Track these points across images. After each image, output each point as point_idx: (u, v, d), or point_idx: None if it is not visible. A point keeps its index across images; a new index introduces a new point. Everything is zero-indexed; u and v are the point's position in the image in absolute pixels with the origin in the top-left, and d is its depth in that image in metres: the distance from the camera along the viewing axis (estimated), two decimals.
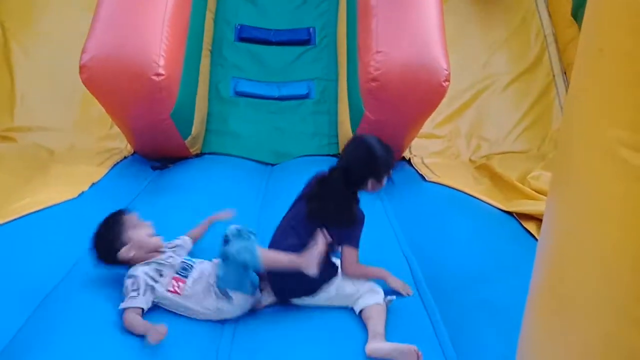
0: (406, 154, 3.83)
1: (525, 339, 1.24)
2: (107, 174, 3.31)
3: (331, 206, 2.11)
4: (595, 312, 0.95)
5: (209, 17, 4.18)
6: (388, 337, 1.98)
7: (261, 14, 4.36)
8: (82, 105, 4.01)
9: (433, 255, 2.58)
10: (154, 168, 3.57)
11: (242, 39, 4.26)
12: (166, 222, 2.55)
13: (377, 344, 1.92)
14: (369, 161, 2.11)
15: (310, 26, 4.35)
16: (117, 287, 2.11)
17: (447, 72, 2.96)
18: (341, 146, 3.81)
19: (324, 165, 3.68)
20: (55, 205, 2.73)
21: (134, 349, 1.86)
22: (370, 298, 2.10)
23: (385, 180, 2.17)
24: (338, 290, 2.14)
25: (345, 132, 3.70)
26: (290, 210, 2.27)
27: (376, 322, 2.01)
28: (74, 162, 3.46)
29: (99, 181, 3.18)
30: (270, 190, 3.34)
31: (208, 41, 4.09)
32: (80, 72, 2.92)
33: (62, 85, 3.89)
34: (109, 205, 2.88)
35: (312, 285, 2.10)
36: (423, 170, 3.49)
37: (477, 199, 3.03)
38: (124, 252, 2.08)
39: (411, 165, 3.67)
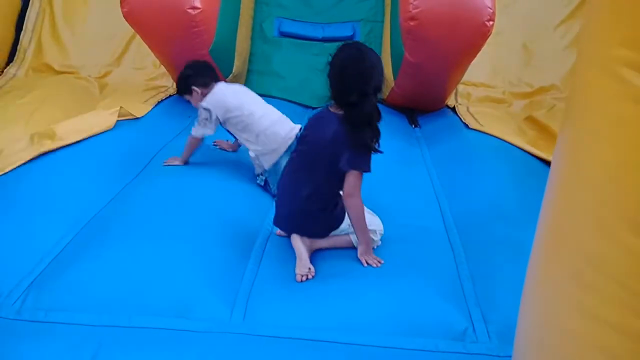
0: (451, 102, 3.72)
1: (528, 280, 1.22)
2: (151, 110, 3.41)
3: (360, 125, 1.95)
4: (586, 235, 0.94)
5: None
6: (411, 266, 2.01)
7: None
8: (133, 44, 4.14)
9: (463, 195, 2.57)
10: None
11: None
12: (207, 158, 2.75)
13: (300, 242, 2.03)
14: (366, 75, 1.94)
15: None
16: (156, 211, 2.25)
17: (491, 11, 2.80)
18: (383, 91, 3.73)
19: None
20: (97, 135, 2.86)
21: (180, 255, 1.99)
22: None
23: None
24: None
25: (387, 76, 3.60)
26: (293, 159, 2.15)
27: (328, 241, 2.10)
28: (122, 98, 3.59)
29: (143, 117, 3.27)
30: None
31: None
32: (121, 6, 2.99)
33: (115, 24, 3.99)
34: (153, 139, 3.03)
35: (323, 232, 2.11)
36: (467, 119, 3.40)
37: (518, 147, 2.95)
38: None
39: (455, 112, 3.57)
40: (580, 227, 0.95)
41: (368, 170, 1.98)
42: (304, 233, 2.06)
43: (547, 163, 2.78)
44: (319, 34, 4.01)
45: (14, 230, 2.09)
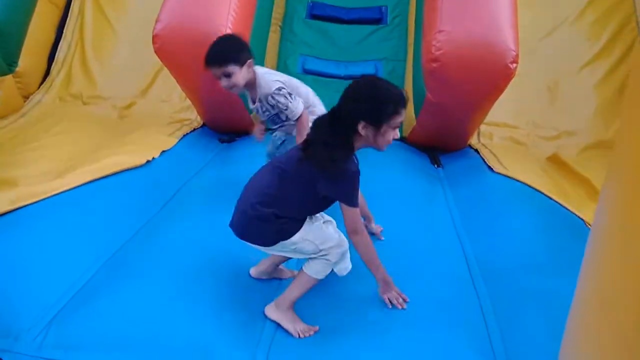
0: (474, 142, 3.72)
1: (569, 333, 1.19)
2: (177, 143, 3.46)
3: (317, 149, 1.77)
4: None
5: None
6: (436, 315, 1.95)
7: None
8: (159, 77, 4.25)
9: (487, 240, 2.51)
10: (222, 141, 3.71)
11: (313, 16, 4.28)
12: (230, 193, 2.66)
13: (275, 309, 1.93)
14: (359, 97, 1.77)
15: (382, 5, 4.29)
16: (179, 250, 2.25)
17: (514, 54, 2.81)
18: (404, 130, 3.76)
19: (387, 149, 3.72)
20: (126, 170, 2.91)
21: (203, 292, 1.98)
22: (316, 267, 1.92)
23: (385, 128, 1.76)
24: (297, 246, 1.89)
25: (409, 115, 3.63)
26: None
27: (294, 289, 1.95)
28: (148, 131, 3.65)
29: (169, 150, 3.33)
30: None
31: (278, 17, 4.15)
32: (153, 42, 3.07)
33: (143, 57, 4.11)
34: (177, 173, 3.07)
35: (267, 241, 1.91)
36: (490, 161, 3.36)
37: (544, 194, 2.89)
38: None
39: (478, 153, 3.56)
40: (633, 290, 0.91)
41: (354, 203, 1.80)
42: (250, 237, 1.90)
43: (572, 211, 2.74)
44: (342, 71, 4.08)
45: (37, 263, 2.10)
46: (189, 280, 2.05)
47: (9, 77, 4.00)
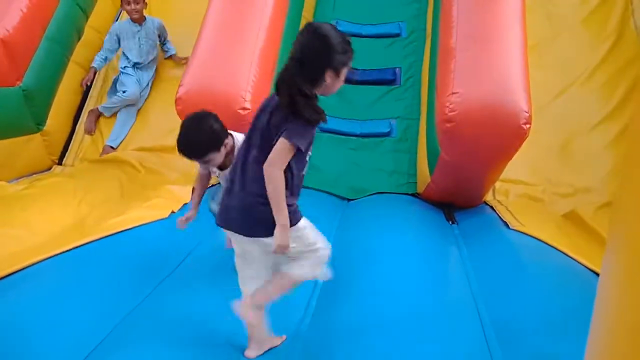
0: (489, 198, 3.73)
1: None
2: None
3: (284, 99, 1.82)
4: None
5: None
6: None
7: None
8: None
9: (504, 302, 2.46)
10: None
11: None
12: None
13: (248, 309, 1.97)
14: (324, 49, 1.80)
15: (396, 66, 4.43)
16: (201, 305, 2.26)
17: (527, 115, 2.86)
18: (419, 186, 3.80)
19: (400, 203, 3.77)
20: (147, 223, 2.97)
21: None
22: (305, 267, 1.98)
23: (344, 75, 1.86)
24: (301, 232, 1.94)
25: (423, 171, 3.68)
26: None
27: (268, 291, 2.00)
28: (168, 183, 3.72)
29: (189, 203, 3.38)
30: (344, 224, 3.38)
31: None
32: (176, 104, 3.21)
33: (170, 118, 4.20)
34: (197, 226, 3.11)
35: (249, 230, 1.94)
36: (506, 217, 3.34)
37: (561, 251, 2.85)
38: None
39: (493, 210, 3.55)
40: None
41: (297, 143, 1.79)
42: (260, 231, 1.91)
43: (591, 269, 2.71)
44: (357, 129, 4.17)
45: (49, 322, 2.12)
46: (197, 348, 2.05)
47: (37, 135, 4.17)
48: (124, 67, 4.50)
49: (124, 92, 4.41)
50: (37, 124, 4.17)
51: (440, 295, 2.52)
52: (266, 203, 1.85)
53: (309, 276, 2.04)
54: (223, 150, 2.28)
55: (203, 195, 2.46)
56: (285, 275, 2.00)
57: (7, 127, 3.92)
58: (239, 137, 2.30)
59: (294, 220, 1.90)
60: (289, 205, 1.87)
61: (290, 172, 1.88)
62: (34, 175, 4.08)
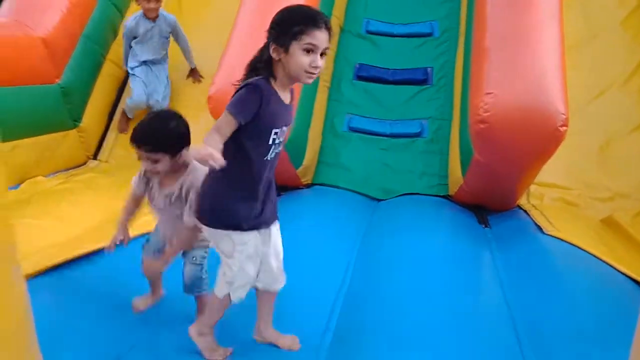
0: (523, 202, 3.66)
1: None
2: None
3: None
4: None
5: (330, 55, 4.39)
6: None
7: (380, 53, 4.47)
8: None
9: (539, 308, 2.39)
10: None
11: (360, 77, 4.40)
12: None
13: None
14: (271, 21, 1.81)
15: (428, 66, 4.38)
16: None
17: (564, 117, 2.78)
18: (451, 188, 3.74)
19: (431, 205, 3.72)
20: None
21: None
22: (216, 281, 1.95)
23: (294, 49, 1.72)
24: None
25: (455, 173, 3.63)
26: None
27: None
28: None
29: None
30: (374, 225, 3.36)
31: (327, 78, 4.30)
32: (208, 103, 3.24)
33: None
34: None
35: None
36: (540, 221, 3.26)
37: (597, 257, 2.77)
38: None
39: (527, 214, 3.47)
40: None
41: (231, 110, 1.69)
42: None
43: (629, 276, 2.62)
44: (387, 129, 4.14)
45: (87, 318, 2.16)
46: None
47: (73, 131, 4.28)
48: (132, 67, 4.45)
49: (130, 98, 4.42)
50: (74, 120, 4.27)
51: (473, 300, 2.47)
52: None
53: (223, 292, 1.93)
54: (176, 161, 1.98)
55: (132, 216, 2.25)
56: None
57: (45, 123, 4.03)
58: (196, 165, 1.99)
59: (229, 222, 1.83)
60: (243, 205, 1.82)
61: (247, 157, 1.76)
62: (70, 170, 4.19)
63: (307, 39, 1.71)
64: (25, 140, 3.85)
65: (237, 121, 1.70)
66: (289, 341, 2.09)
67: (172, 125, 1.99)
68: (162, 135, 1.95)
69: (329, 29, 1.76)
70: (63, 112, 4.15)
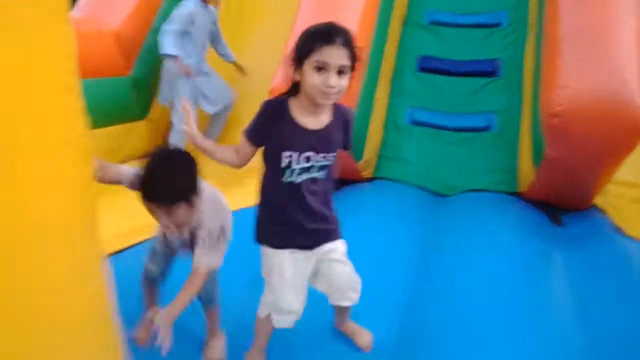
0: (600, 201, 3.45)
1: None
2: None
3: None
4: None
5: (392, 47, 4.31)
6: None
7: (445, 44, 4.35)
8: None
9: (612, 316, 2.27)
10: None
11: (423, 69, 4.30)
12: None
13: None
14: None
15: (495, 58, 4.22)
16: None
17: None
18: (521, 185, 3.59)
19: (499, 201, 3.56)
20: (244, 208, 3.01)
21: None
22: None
23: (306, 68, 1.63)
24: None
25: (525, 169, 3.49)
26: None
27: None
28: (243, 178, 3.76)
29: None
30: (438, 221, 3.26)
31: (388, 71, 4.22)
32: (269, 95, 3.26)
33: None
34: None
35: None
36: (619, 222, 3.09)
37: None
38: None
39: (604, 213, 3.28)
40: None
41: (246, 131, 1.75)
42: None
43: None
44: (452, 123, 4.03)
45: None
46: None
47: (142, 122, 4.44)
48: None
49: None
50: (142, 111, 4.43)
51: (542, 301, 2.36)
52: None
53: (263, 312, 1.96)
54: (194, 206, 1.74)
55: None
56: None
57: (116, 114, 4.20)
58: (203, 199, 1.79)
59: (261, 236, 1.87)
60: (274, 225, 1.82)
61: (268, 178, 1.78)
62: (138, 161, 4.34)
63: (315, 56, 1.59)
64: (99, 130, 4.03)
65: (246, 139, 1.76)
66: (365, 341, 2.11)
67: (181, 169, 1.74)
68: (178, 184, 1.70)
69: (347, 44, 1.60)
70: (133, 103, 4.31)
